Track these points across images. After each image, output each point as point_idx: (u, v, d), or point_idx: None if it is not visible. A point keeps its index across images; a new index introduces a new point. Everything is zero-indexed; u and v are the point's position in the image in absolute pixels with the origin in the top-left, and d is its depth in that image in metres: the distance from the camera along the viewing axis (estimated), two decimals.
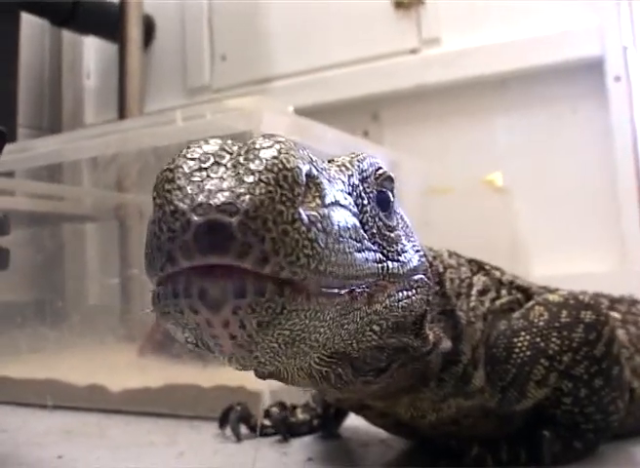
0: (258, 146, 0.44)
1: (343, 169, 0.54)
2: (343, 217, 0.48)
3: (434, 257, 0.73)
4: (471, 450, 0.76)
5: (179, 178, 0.44)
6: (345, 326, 0.50)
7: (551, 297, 0.79)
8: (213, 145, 0.45)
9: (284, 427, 0.94)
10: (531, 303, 0.79)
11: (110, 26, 2.21)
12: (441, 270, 0.73)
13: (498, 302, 0.78)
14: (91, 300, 1.58)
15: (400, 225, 0.59)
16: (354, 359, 0.57)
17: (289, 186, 0.43)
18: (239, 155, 0.44)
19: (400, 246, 0.57)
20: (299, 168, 0.44)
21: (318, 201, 0.46)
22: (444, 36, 2.09)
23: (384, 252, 0.54)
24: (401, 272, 0.56)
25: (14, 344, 1.39)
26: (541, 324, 0.75)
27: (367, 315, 0.51)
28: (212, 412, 0.99)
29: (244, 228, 0.41)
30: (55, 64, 2.61)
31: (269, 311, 0.43)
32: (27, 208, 1.67)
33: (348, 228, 0.48)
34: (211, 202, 0.42)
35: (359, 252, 0.50)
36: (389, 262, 0.54)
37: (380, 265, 0.53)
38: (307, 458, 0.84)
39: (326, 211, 0.46)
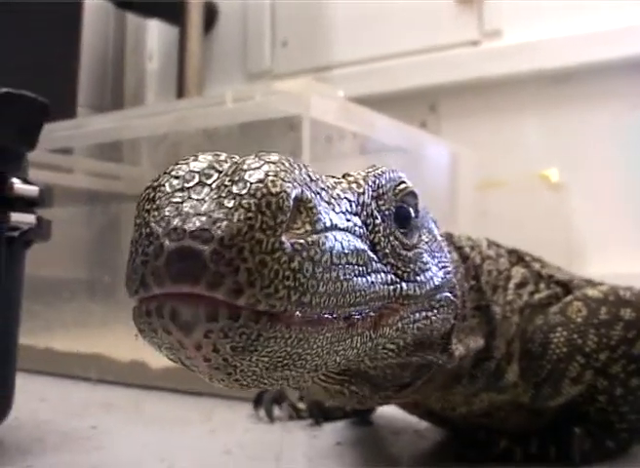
0: (245, 167, 0.41)
1: (354, 186, 0.50)
2: (340, 243, 0.45)
3: (472, 248, 0.72)
4: (500, 443, 0.75)
5: (159, 198, 0.41)
6: (341, 352, 0.46)
7: (591, 293, 0.77)
8: (202, 162, 0.43)
9: (317, 411, 0.94)
10: (569, 298, 0.77)
11: (173, 10, 2.23)
12: (478, 262, 0.71)
13: (536, 297, 0.76)
14: None
15: (424, 241, 0.56)
16: (372, 376, 0.55)
17: (271, 213, 0.40)
18: (226, 175, 0.41)
19: (419, 264, 0.53)
20: (285, 192, 0.41)
21: (308, 227, 0.42)
22: (505, 29, 2.06)
23: (399, 272, 0.51)
24: (418, 293, 0.52)
25: (62, 318, 1.41)
26: (579, 320, 0.73)
27: (371, 339, 0.48)
28: (248, 393, 0.99)
29: (217, 257, 0.39)
30: (118, 46, 2.64)
31: (243, 337, 0.40)
32: (83, 185, 1.70)
33: (347, 253, 0.45)
34: (185, 227, 0.39)
35: (362, 276, 0.46)
36: (404, 283, 0.51)
37: (391, 287, 0.49)
38: (336, 442, 0.84)
39: (316, 237, 0.43)
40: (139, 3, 2.29)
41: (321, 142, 1.25)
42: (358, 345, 0.47)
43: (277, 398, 0.96)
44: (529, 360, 0.72)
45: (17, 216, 0.76)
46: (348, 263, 0.45)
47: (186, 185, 0.41)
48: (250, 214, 0.39)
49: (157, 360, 1.18)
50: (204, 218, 0.39)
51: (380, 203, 0.51)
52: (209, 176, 0.42)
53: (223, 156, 0.44)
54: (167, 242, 0.39)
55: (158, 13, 2.40)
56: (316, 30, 2.33)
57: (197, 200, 0.40)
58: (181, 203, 0.40)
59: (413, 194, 0.54)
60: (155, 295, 0.40)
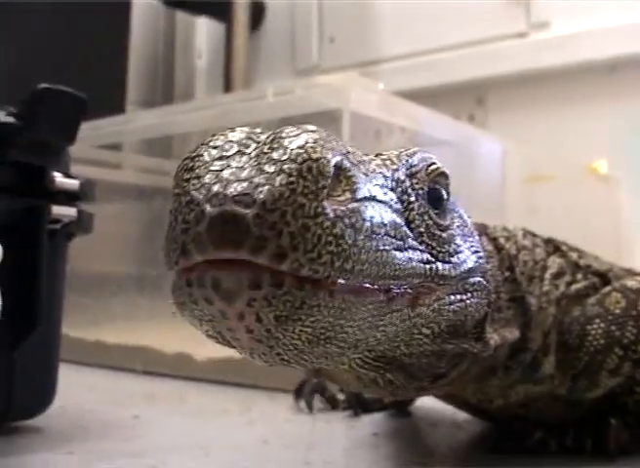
0: (284, 135, 0.41)
1: (388, 163, 0.50)
2: (380, 213, 0.45)
3: (507, 239, 0.71)
4: (534, 434, 0.75)
5: (198, 167, 0.42)
6: (382, 328, 0.46)
7: (629, 284, 0.75)
8: (239, 133, 0.43)
9: (356, 402, 0.94)
10: (607, 289, 0.75)
11: (220, 8, 2.25)
12: (513, 252, 0.71)
13: (573, 287, 0.75)
14: None
15: (456, 224, 0.55)
16: (407, 365, 0.54)
17: (313, 178, 0.40)
18: (265, 144, 0.41)
19: (453, 246, 0.53)
20: (325, 158, 0.41)
21: (348, 195, 0.42)
22: (553, 20, 2.04)
23: (434, 252, 0.50)
24: (453, 274, 0.51)
25: (110, 311, 1.44)
26: (617, 311, 0.72)
27: (409, 318, 0.48)
28: (290, 385, 1.00)
29: (260, 221, 0.38)
30: (168, 44, 2.68)
31: (287, 305, 0.40)
32: (132, 181, 1.72)
33: (385, 224, 0.45)
34: (226, 192, 0.39)
35: (400, 250, 0.46)
36: (439, 263, 0.50)
37: (427, 266, 0.49)
38: (373, 433, 0.84)
39: (357, 205, 0.42)
40: (187, 1, 2.32)
41: (370, 137, 1.26)
42: (397, 322, 0.47)
43: (317, 389, 0.97)
44: (566, 352, 0.71)
45: (58, 209, 0.78)
46: (387, 235, 0.45)
47: (225, 154, 0.42)
48: (291, 179, 0.39)
49: (202, 352, 1.19)
50: (245, 183, 0.39)
51: (414, 182, 0.51)
52: (247, 146, 0.42)
53: (259, 129, 0.44)
54: (208, 207, 0.39)
55: (206, 11, 2.43)
56: (363, 25, 2.34)
57: (237, 167, 0.40)
58: (221, 171, 0.40)
59: (444, 175, 0.54)
60: (196, 265, 0.40)
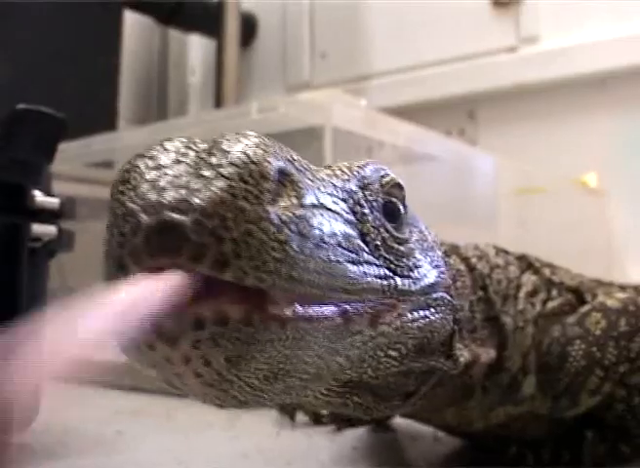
0: (222, 141, 0.40)
1: (338, 173, 0.48)
2: (329, 222, 0.42)
3: (479, 258, 0.70)
4: (511, 448, 0.75)
5: (133, 178, 0.39)
6: (344, 353, 0.44)
7: (609, 303, 0.75)
8: (177, 143, 0.41)
9: (340, 417, 0.95)
10: (587, 308, 0.75)
11: (211, 24, 2.27)
12: (486, 272, 0.69)
13: (549, 305, 0.74)
14: None
15: (414, 238, 0.53)
16: (375, 386, 0.52)
17: (254, 181, 0.38)
18: (204, 151, 0.39)
19: (413, 260, 0.51)
20: (267, 161, 0.39)
21: (295, 200, 0.40)
22: (542, 34, 2.06)
23: (392, 266, 0.48)
24: (413, 289, 0.50)
25: None
26: (598, 332, 0.71)
27: (372, 339, 0.46)
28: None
29: (198, 228, 0.36)
30: (162, 61, 2.70)
31: (237, 343, 0.38)
32: None
33: (336, 234, 0.43)
34: (162, 200, 0.37)
35: (354, 263, 0.44)
36: (397, 278, 0.48)
37: (384, 282, 0.47)
38: (353, 447, 0.85)
39: (303, 211, 0.40)
40: (179, 18, 2.33)
41: (361, 153, 1.27)
42: (359, 345, 0.45)
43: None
44: (546, 372, 0.71)
45: (38, 228, 0.79)
46: (339, 246, 0.43)
47: (162, 163, 0.39)
48: (231, 183, 0.37)
49: None
50: (182, 190, 0.37)
51: (367, 193, 0.49)
52: (185, 155, 0.39)
53: (198, 139, 0.42)
54: (144, 217, 0.37)
55: (198, 27, 2.44)
56: (355, 41, 2.35)
57: (174, 175, 0.38)
58: (158, 179, 0.38)
59: (399, 186, 0.52)
60: None
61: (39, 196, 0.79)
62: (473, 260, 0.69)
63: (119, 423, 0.97)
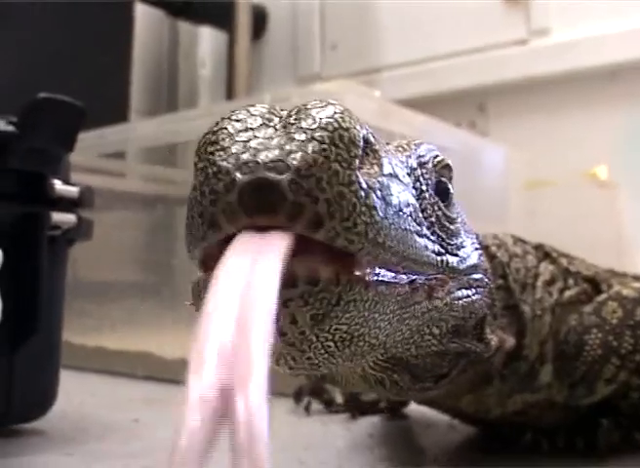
0: (310, 107, 0.40)
1: (400, 149, 0.49)
2: (404, 193, 0.44)
3: (498, 246, 0.70)
4: (526, 435, 0.76)
5: (222, 140, 0.39)
6: (407, 320, 0.45)
7: (625, 292, 0.75)
8: (260, 108, 0.41)
9: (354, 405, 0.95)
10: (603, 297, 0.75)
11: (222, 16, 2.27)
12: (505, 260, 0.70)
13: (566, 294, 0.74)
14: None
15: (459, 219, 0.54)
16: (413, 365, 0.53)
17: (345, 146, 0.39)
18: (289, 116, 0.40)
19: (460, 239, 0.52)
20: (355, 128, 0.40)
21: (376, 168, 0.41)
22: (553, 27, 2.06)
23: (443, 244, 0.49)
24: (461, 268, 0.51)
25: (112, 317, 1.45)
26: (615, 321, 0.72)
27: (428, 311, 0.47)
28: (288, 388, 1.01)
29: (295, 187, 0.37)
30: (172, 53, 2.70)
31: (324, 302, 0.38)
32: (135, 189, 1.74)
33: (408, 205, 0.44)
34: (257, 159, 0.37)
35: (419, 236, 0.45)
36: (448, 256, 0.49)
37: (439, 257, 0.48)
38: (369, 435, 0.85)
39: (385, 180, 0.42)
40: (189, 11, 2.34)
41: None
42: (419, 314, 0.46)
43: (315, 392, 0.98)
44: (563, 361, 0.71)
45: (58, 216, 0.80)
46: (410, 216, 0.44)
47: (249, 126, 0.39)
48: (324, 146, 0.38)
49: None
50: (276, 151, 0.37)
51: (424, 171, 0.50)
52: (270, 120, 0.40)
53: (279, 106, 0.42)
54: (238, 175, 0.37)
55: (209, 20, 2.45)
56: (365, 33, 2.35)
57: (264, 138, 0.38)
58: (247, 141, 0.38)
59: (449, 167, 0.53)
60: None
61: (58, 184, 0.80)
62: (493, 249, 0.69)
63: (134, 411, 0.97)
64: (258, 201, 0.37)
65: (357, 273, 0.40)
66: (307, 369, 0.42)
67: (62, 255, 0.84)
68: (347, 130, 0.39)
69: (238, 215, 0.37)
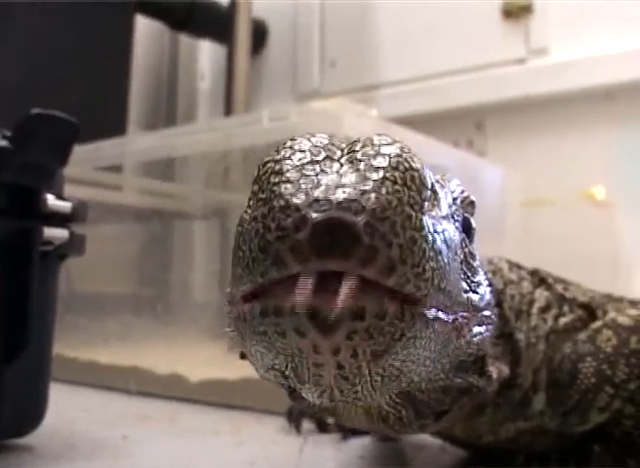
0: (376, 142, 0.39)
1: (439, 185, 0.47)
2: (455, 234, 0.44)
3: (494, 273, 0.69)
4: (516, 460, 0.75)
5: (288, 171, 0.38)
6: (442, 358, 0.44)
7: (620, 319, 0.74)
8: (321, 138, 0.41)
9: (346, 426, 0.95)
10: (598, 324, 0.74)
11: (223, 31, 2.28)
12: (500, 287, 0.69)
13: (561, 321, 0.74)
14: (196, 295, 1.64)
15: (477, 255, 0.53)
16: (418, 401, 0.52)
17: (417, 188, 0.38)
18: (354, 151, 0.39)
19: (479, 277, 0.51)
20: (424, 169, 0.39)
21: (438, 211, 0.41)
22: (552, 46, 2.06)
23: (468, 281, 0.48)
24: (480, 306, 0.50)
25: (105, 331, 1.45)
26: (609, 350, 0.71)
27: (455, 349, 0.46)
28: (280, 407, 1.00)
29: (371, 230, 0.35)
30: (172, 66, 2.70)
31: (387, 337, 0.37)
32: (132, 203, 1.74)
33: (458, 247, 0.44)
34: (331, 198, 0.36)
35: (459, 276, 0.45)
36: (472, 294, 0.48)
37: (465, 295, 0.47)
38: (360, 456, 0.85)
39: (445, 222, 0.42)
40: (189, 24, 2.34)
41: None
42: (450, 352, 0.45)
43: (307, 412, 0.97)
44: (556, 389, 0.70)
45: (50, 231, 0.80)
46: (458, 257, 0.44)
47: (315, 159, 0.39)
48: (397, 187, 0.37)
49: (195, 373, 1.20)
50: (350, 190, 0.36)
51: (454, 208, 0.49)
52: (333, 153, 0.39)
53: (335, 137, 0.42)
54: (311, 213, 0.36)
55: (208, 33, 2.45)
56: (364, 50, 2.36)
57: (332, 173, 0.38)
58: (316, 175, 0.38)
59: (473, 204, 0.53)
60: (283, 284, 0.37)
61: (51, 200, 0.79)
62: (488, 276, 0.68)
63: (125, 427, 0.97)
64: (330, 242, 0.35)
65: (420, 310, 0.39)
66: (349, 401, 0.41)
67: (54, 271, 0.83)
68: (417, 171, 0.39)
69: (308, 256, 0.36)
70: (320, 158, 0.39)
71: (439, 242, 0.40)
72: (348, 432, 0.94)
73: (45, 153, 0.76)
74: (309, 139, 0.40)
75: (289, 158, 0.39)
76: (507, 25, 2.13)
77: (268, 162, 0.40)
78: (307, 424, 0.97)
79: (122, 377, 1.27)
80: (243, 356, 0.47)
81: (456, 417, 0.60)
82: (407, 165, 0.38)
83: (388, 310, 0.37)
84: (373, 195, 0.36)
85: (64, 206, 0.81)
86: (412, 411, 0.52)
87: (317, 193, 0.36)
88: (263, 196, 0.39)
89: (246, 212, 0.42)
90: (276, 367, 0.40)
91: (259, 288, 0.38)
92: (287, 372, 0.40)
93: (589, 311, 0.77)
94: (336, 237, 0.35)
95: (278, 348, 0.38)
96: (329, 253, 0.35)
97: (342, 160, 0.39)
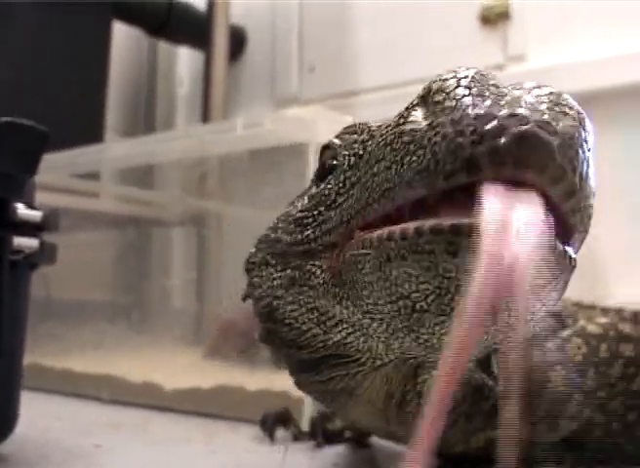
0: (560, 92, 0.42)
1: None
2: None
3: None
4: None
5: (472, 86, 0.41)
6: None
7: (590, 328, 0.75)
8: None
9: (319, 433, 0.95)
10: (568, 333, 0.75)
11: (201, 36, 2.27)
12: None
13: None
14: (174, 302, 1.63)
15: None
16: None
17: (586, 130, 0.41)
18: (530, 87, 0.41)
19: None
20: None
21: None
22: (530, 53, 2.07)
23: None
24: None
25: (81, 339, 1.44)
26: (579, 358, 0.72)
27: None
28: (254, 415, 1.00)
29: (564, 151, 0.38)
30: (151, 72, 2.69)
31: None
32: (109, 210, 1.73)
33: None
34: (531, 114, 0.38)
35: None
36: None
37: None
38: (333, 463, 0.85)
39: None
40: (167, 30, 2.34)
41: None
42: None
43: (281, 420, 0.97)
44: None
45: (20, 240, 0.79)
46: None
47: (491, 82, 0.41)
48: (577, 123, 0.40)
49: (169, 382, 1.20)
50: (547, 112, 0.38)
51: None
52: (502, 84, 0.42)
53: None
54: (510, 123, 0.37)
55: (186, 39, 2.44)
56: (343, 56, 2.35)
57: (536, 96, 0.40)
58: (505, 95, 0.40)
59: None
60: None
61: (21, 209, 0.79)
62: None
63: (97, 436, 0.97)
64: (527, 155, 0.37)
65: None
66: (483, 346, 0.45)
67: (25, 280, 0.83)
68: (585, 119, 0.41)
69: (506, 163, 0.37)
70: (498, 83, 0.41)
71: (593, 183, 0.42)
72: (322, 440, 0.94)
73: (14, 162, 0.76)
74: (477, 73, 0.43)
75: (469, 76, 0.42)
76: (485, 32, 2.13)
77: (446, 79, 0.43)
78: (281, 432, 0.96)
79: (96, 386, 1.26)
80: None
81: (457, 428, 0.61)
82: (581, 112, 0.41)
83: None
84: (567, 122, 0.38)
85: (35, 215, 0.81)
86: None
87: (516, 107, 0.38)
88: (451, 104, 0.40)
89: (405, 123, 0.44)
90: (413, 295, 0.41)
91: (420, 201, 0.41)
92: (420, 304, 0.42)
93: (559, 320, 0.78)
94: (536, 150, 0.37)
95: (440, 270, 0.39)
96: (528, 164, 0.37)
97: (518, 89, 0.41)
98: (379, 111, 2.10)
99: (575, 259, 0.43)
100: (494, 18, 2.12)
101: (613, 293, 1.74)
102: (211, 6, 2.23)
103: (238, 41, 2.45)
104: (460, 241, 0.37)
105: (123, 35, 2.39)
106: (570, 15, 2.01)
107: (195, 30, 2.34)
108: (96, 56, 2.10)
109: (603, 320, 0.76)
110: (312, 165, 1.06)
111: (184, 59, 2.71)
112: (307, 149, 1.05)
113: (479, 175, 0.37)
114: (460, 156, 0.38)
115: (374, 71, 2.29)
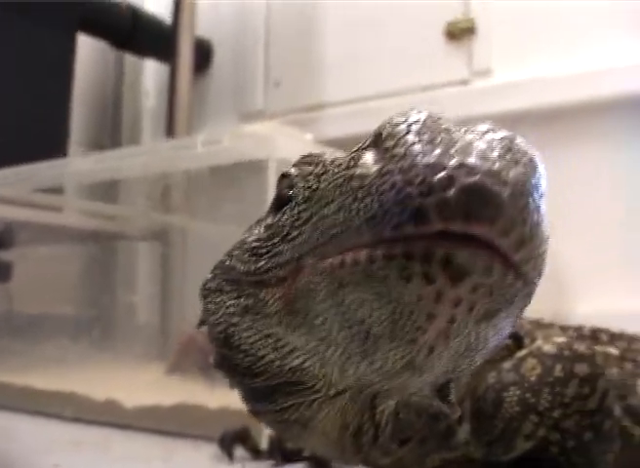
0: (511, 136, 0.42)
1: None
2: None
3: None
4: None
5: (422, 133, 0.40)
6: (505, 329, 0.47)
7: (545, 348, 0.74)
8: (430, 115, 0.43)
9: (278, 452, 0.94)
10: (523, 353, 0.74)
11: (166, 48, 2.26)
12: None
13: None
14: (138, 316, 1.62)
15: None
16: (399, 420, 0.55)
17: (539, 176, 0.40)
18: (479, 131, 0.41)
19: None
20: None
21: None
22: (495, 68, 2.08)
23: None
24: None
25: (43, 355, 1.43)
26: (533, 378, 0.71)
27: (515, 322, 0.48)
28: (216, 433, 1.00)
29: (514, 202, 0.37)
30: (117, 85, 2.68)
31: (501, 299, 0.40)
32: (69, 224, 1.72)
33: None
34: (479, 165, 0.37)
35: None
36: None
37: None
38: None
39: None
40: (132, 42, 2.33)
41: None
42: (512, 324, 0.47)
43: (240, 438, 0.96)
44: (480, 419, 0.70)
45: None
46: None
47: (443, 127, 0.41)
48: (528, 170, 0.39)
49: (132, 399, 1.19)
50: (497, 161, 0.38)
51: None
52: (456, 129, 0.42)
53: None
54: (461, 175, 0.37)
55: (152, 51, 2.43)
56: (309, 71, 2.36)
57: (487, 143, 0.39)
58: (454, 142, 0.39)
59: None
60: (411, 238, 0.37)
61: None
62: None
63: (57, 454, 0.96)
64: (478, 207, 0.36)
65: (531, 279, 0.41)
66: (424, 369, 0.44)
67: None
68: (536, 162, 0.41)
69: (455, 215, 0.36)
70: (446, 127, 0.41)
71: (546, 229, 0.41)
72: (281, 459, 0.93)
73: None
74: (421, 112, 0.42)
75: (417, 121, 0.41)
76: (450, 47, 2.14)
77: (393, 123, 0.42)
78: (240, 451, 0.96)
79: (58, 403, 1.25)
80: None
81: (411, 450, 0.61)
82: (531, 155, 0.41)
83: (510, 273, 0.38)
84: (517, 170, 0.38)
85: None
86: (390, 431, 0.54)
87: (465, 157, 0.37)
88: (401, 151, 0.39)
89: (355, 166, 0.42)
90: (368, 319, 0.41)
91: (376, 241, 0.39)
92: (375, 329, 0.42)
93: (516, 339, 0.77)
94: (484, 203, 0.36)
95: (393, 295, 0.39)
96: (477, 217, 0.36)
97: (470, 134, 0.40)
98: (344, 125, 2.12)
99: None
100: (459, 33, 2.13)
101: (577, 310, 1.75)
102: (176, 18, 2.22)
103: (204, 54, 2.44)
104: (413, 266, 0.37)
105: (88, 48, 2.38)
106: (535, 30, 2.03)
107: (160, 43, 2.33)
108: (60, 68, 2.09)
109: (560, 339, 0.76)
110: (272, 181, 1.06)
111: (150, 72, 2.70)
112: (267, 165, 1.05)
113: (428, 226, 0.37)
114: (409, 207, 0.38)
115: (339, 86, 2.30)
